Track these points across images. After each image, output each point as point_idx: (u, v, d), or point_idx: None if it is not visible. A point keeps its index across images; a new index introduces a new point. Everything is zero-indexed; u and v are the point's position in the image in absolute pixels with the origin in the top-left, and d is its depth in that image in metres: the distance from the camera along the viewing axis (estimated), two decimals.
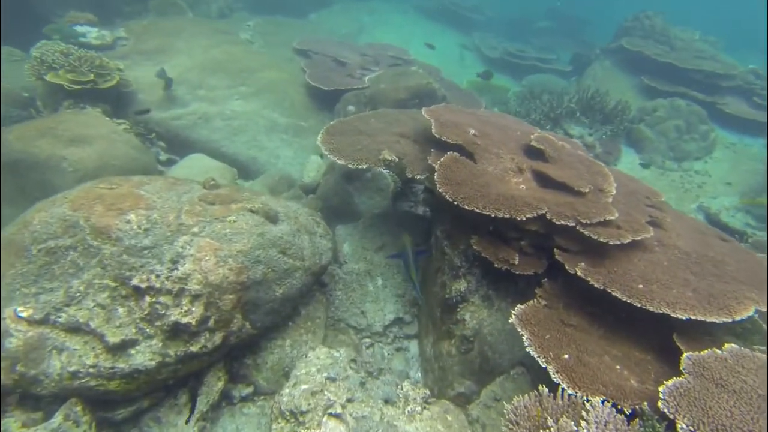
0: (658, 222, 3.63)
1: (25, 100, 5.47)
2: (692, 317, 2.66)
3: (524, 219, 3.12)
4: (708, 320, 2.67)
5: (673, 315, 2.68)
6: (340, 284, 4.40)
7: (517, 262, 3.25)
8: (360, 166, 4.04)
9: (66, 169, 4.36)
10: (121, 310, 2.83)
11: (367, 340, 4.21)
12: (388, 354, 4.19)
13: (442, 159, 3.59)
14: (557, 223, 3.14)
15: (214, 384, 3.21)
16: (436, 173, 3.48)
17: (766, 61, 14.29)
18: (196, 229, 3.15)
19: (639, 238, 3.16)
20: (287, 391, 3.06)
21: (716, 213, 6.35)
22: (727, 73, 8.19)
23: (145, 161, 4.97)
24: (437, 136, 3.84)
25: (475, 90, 9.92)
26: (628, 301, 2.76)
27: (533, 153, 4.00)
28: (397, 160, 4.09)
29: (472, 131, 4.01)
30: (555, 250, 3.22)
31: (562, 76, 11.43)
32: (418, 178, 3.87)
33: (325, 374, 3.17)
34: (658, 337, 2.87)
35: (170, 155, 5.79)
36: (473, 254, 3.49)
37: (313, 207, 5.29)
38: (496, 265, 3.25)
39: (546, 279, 3.21)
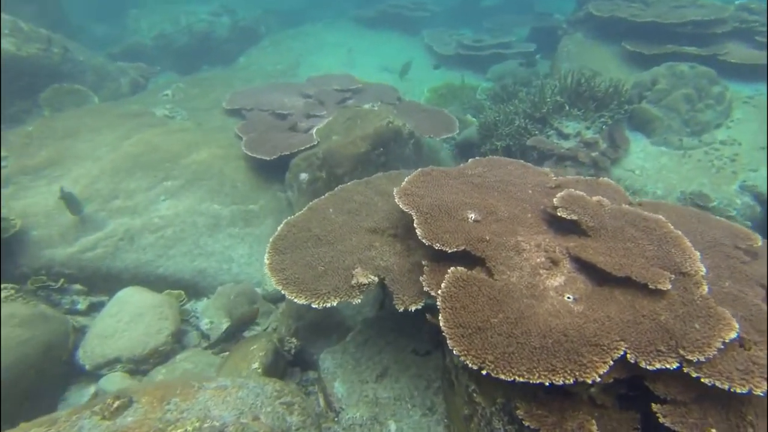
0: None
1: None
2: None
3: (598, 378, 1.95)
4: None
5: None
6: None
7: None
8: (328, 304, 2.84)
9: None
10: None
11: None
12: None
13: (443, 287, 2.40)
14: (649, 368, 1.98)
15: None
16: (440, 315, 2.30)
17: None
18: None
19: None
20: None
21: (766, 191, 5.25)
22: (718, 18, 7.12)
23: (47, 334, 3.70)
24: (427, 242, 2.65)
25: (440, 97, 8.77)
26: None
27: (562, 222, 2.84)
28: (376, 280, 2.91)
29: (472, 215, 2.83)
30: (652, 406, 2.05)
31: (527, 57, 10.29)
32: (412, 309, 2.68)
33: None
34: None
35: (94, 297, 4.54)
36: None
37: (286, 331, 4.08)
38: None
39: None
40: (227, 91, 7.59)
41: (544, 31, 10.97)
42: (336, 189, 3.96)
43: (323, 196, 3.85)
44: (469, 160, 3.58)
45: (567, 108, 6.31)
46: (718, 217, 3.05)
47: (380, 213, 3.44)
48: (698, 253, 2.44)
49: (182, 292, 4.67)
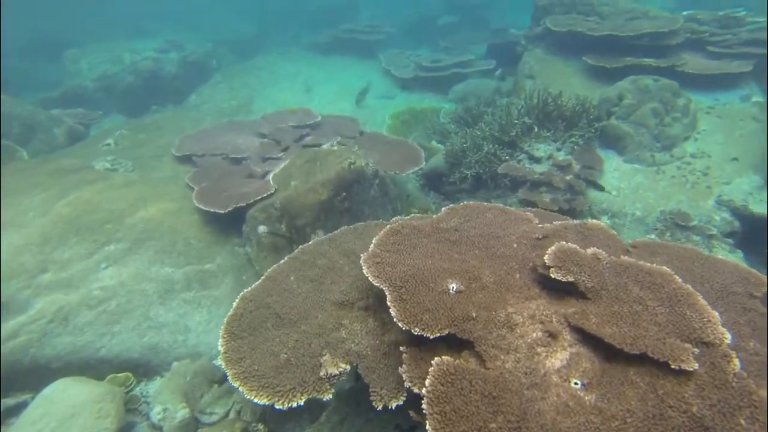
0: None
1: None
2: None
3: None
4: None
5: None
6: None
7: None
8: (294, 403, 2.38)
9: None
10: None
11: None
12: None
13: (428, 384, 1.98)
14: None
15: None
16: (428, 424, 1.88)
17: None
18: None
19: None
20: None
21: (743, 205, 5.12)
22: (671, 29, 7.14)
23: None
24: (405, 327, 2.23)
25: (402, 124, 8.49)
26: None
27: (555, 281, 2.48)
28: (348, 368, 2.47)
29: (453, 285, 2.44)
30: None
31: (488, 75, 10.21)
32: (393, 406, 2.25)
33: None
34: None
35: (12, 399, 3.87)
36: None
37: (252, 416, 3.56)
38: None
39: None
40: (178, 134, 7.06)
41: (501, 47, 10.93)
42: (297, 251, 3.52)
43: (283, 261, 3.40)
44: (443, 209, 3.22)
45: (536, 129, 6.11)
46: (720, 257, 2.77)
47: (347, 279, 3.01)
48: (717, 314, 2.12)
49: (130, 375, 4.08)
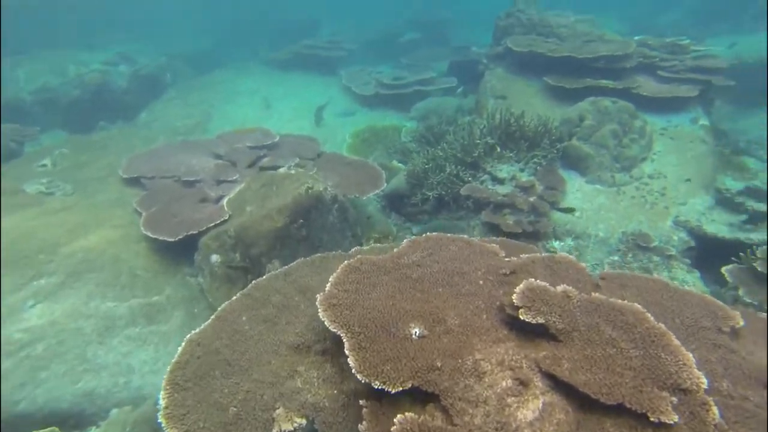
0: None
1: None
2: None
3: None
4: None
5: None
6: None
7: None
8: None
9: None
10: None
11: None
12: None
13: None
14: None
15: None
16: None
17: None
18: None
19: None
20: None
21: (698, 225, 5.22)
22: (625, 53, 7.37)
23: None
24: (364, 380, 2.02)
25: (363, 142, 8.33)
26: None
27: (524, 324, 2.34)
28: (304, 423, 2.23)
29: (416, 330, 2.25)
30: None
31: (450, 93, 10.24)
32: None
33: None
34: None
35: None
36: None
37: None
38: None
39: None
40: (126, 153, 6.63)
41: (463, 65, 11.01)
42: (250, 286, 3.25)
43: (235, 298, 3.12)
44: (404, 240, 3.04)
45: (499, 150, 6.07)
46: (687, 289, 2.72)
47: (303, 319, 2.78)
48: (691, 357, 2.02)
49: (56, 430, 3.63)
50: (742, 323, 2.41)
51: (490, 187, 5.78)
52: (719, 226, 5.25)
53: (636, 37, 8.26)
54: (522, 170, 6.01)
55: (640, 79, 7.29)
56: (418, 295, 2.53)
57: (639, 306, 2.30)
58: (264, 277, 3.38)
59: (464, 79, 10.25)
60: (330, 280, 2.68)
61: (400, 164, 7.14)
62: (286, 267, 3.46)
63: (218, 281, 4.41)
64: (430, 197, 5.80)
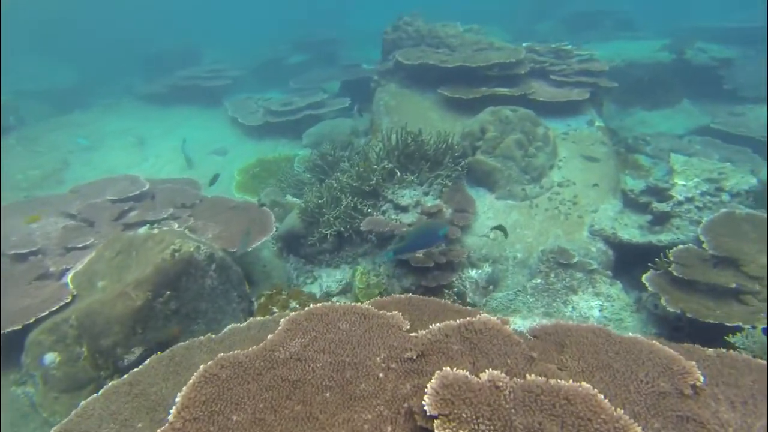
0: None
1: None
2: None
3: None
4: None
5: None
6: None
7: None
8: None
9: None
10: None
11: None
12: None
13: None
14: None
15: None
16: None
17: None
18: None
19: None
20: None
21: (613, 233, 5.04)
22: (518, 60, 7.28)
23: None
24: None
25: (253, 178, 7.43)
26: None
27: None
28: None
29: None
30: None
31: (345, 113, 9.65)
32: None
33: None
34: None
35: None
36: None
37: None
38: None
39: None
40: None
41: (355, 83, 10.55)
42: (73, 414, 2.29)
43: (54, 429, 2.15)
44: (281, 321, 2.28)
45: (398, 174, 5.51)
46: (631, 337, 2.25)
47: None
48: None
49: None
50: (701, 381, 1.96)
51: (393, 216, 5.20)
52: (631, 230, 5.12)
53: (524, 44, 8.27)
54: (426, 193, 5.51)
55: (535, 85, 7.23)
56: (298, 409, 1.80)
57: (589, 388, 1.75)
58: (99, 393, 2.43)
59: (358, 98, 9.75)
60: (176, 401, 1.85)
61: (295, 199, 6.36)
62: (133, 373, 2.55)
63: (56, 389, 3.32)
64: (328, 235, 5.10)
